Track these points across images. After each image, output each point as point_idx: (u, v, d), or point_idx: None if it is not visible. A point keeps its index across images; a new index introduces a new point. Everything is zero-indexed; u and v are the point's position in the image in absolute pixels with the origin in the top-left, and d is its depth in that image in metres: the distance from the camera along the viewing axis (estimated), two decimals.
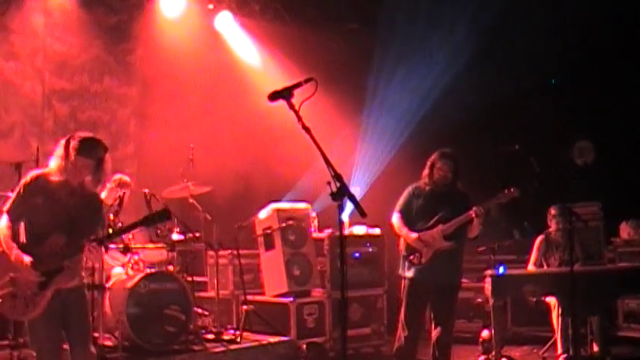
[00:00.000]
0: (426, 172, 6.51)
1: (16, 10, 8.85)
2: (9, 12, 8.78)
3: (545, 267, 8.10)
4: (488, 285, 7.43)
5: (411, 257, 6.42)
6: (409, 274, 6.46)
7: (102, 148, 4.94)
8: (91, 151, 4.89)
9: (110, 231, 6.63)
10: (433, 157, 6.50)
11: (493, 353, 7.40)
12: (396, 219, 6.57)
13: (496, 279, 7.39)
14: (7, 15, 8.76)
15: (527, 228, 9.88)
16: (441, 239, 6.31)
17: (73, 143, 4.87)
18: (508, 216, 9.84)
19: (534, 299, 8.06)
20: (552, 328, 7.77)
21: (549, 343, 7.99)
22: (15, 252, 4.72)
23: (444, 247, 6.32)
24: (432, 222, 6.37)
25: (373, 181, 10.69)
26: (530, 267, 8.18)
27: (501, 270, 7.71)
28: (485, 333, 8.10)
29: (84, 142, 4.89)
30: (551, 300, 7.77)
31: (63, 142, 4.92)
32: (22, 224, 4.86)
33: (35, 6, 9.01)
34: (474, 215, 6.23)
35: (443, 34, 10.27)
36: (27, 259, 4.69)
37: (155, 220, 5.07)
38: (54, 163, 4.89)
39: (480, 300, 8.92)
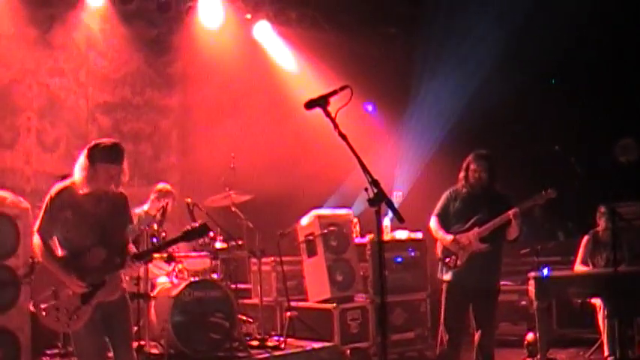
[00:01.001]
0: (461, 174, 6.49)
1: (60, 27, 9.08)
2: (53, 29, 9.01)
3: (591, 267, 7.98)
4: (531, 287, 7.38)
5: (447, 260, 6.40)
6: (447, 277, 6.44)
7: (123, 150, 4.89)
8: (117, 156, 4.84)
9: (151, 245, 6.75)
10: (468, 159, 6.47)
11: (539, 356, 7.34)
12: (433, 222, 6.57)
13: (540, 281, 7.33)
14: (50, 32, 9.00)
15: (571, 229, 9.78)
16: (476, 241, 6.26)
17: (97, 152, 4.80)
18: (552, 217, 9.75)
19: (579, 301, 7.97)
20: (598, 329, 7.67)
21: (595, 346, 7.88)
22: (58, 266, 4.75)
23: (479, 250, 6.26)
24: (468, 224, 6.34)
25: (415, 186, 10.67)
26: (577, 266, 8.04)
27: (545, 272, 7.65)
28: (530, 336, 8.05)
29: (108, 148, 4.83)
30: (597, 301, 7.67)
31: (85, 151, 4.84)
32: (55, 239, 4.85)
33: (77, 22, 9.23)
34: (511, 217, 6.18)
35: (481, 31, 10.21)
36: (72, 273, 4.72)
37: (194, 235, 5.06)
38: (78, 175, 4.82)
39: (524, 302, 8.84)
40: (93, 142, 4.89)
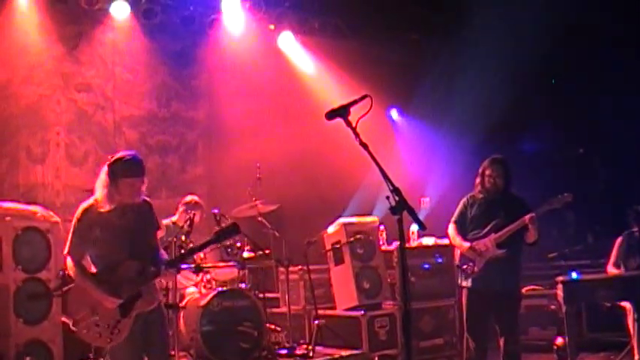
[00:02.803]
0: (477, 180, 6.48)
1: (86, 43, 9.26)
2: (80, 46, 9.19)
3: (623, 269, 7.87)
4: (560, 291, 7.33)
5: (465, 266, 6.38)
6: (466, 283, 6.42)
7: (143, 161, 4.86)
8: (139, 169, 4.81)
9: (182, 252, 6.80)
10: (483, 164, 6.45)
11: None
12: (451, 229, 6.55)
13: (568, 285, 7.28)
14: (78, 49, 9.17)
15: (599, 231, 9.70)
16: (493, 247, 6.23)
17: (118, 167, 4.75)
18: (580, 220, 9.68)
19: (608, 304, 7.90)
20: (629, 333, 7.59)
21: (626, 350, 7.79)
22: (93, 286, 4.74)
23: (496, 255, 6.23)
24: (485, 230, 6.32)
25: (445, 192, 10.63)
26: (610, 267, 7.93)
27: (574, 275, 7.59)
28: (559, 340, 7.99)
29: (129, 163, 4.78)
30: (627, 304, 7.60)
31: (105, 168, 4.78)
32: (87, 257, 4.85)
33: (103, 38, 9.40)
34: (527, 222, 6.13)
35: (505, 35, 10.18)
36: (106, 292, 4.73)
37: (225, 235, 4.89)
38: (100, 193, 4.77)
39: (553, 307, 8.77)
40: (112, 158, 4.83)
